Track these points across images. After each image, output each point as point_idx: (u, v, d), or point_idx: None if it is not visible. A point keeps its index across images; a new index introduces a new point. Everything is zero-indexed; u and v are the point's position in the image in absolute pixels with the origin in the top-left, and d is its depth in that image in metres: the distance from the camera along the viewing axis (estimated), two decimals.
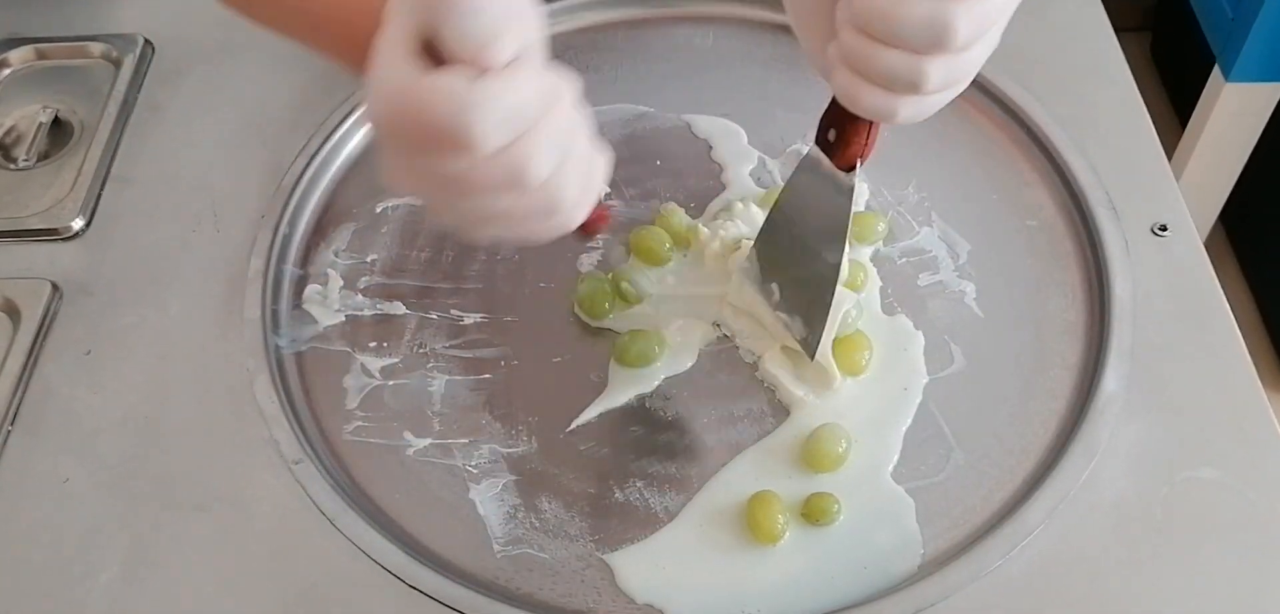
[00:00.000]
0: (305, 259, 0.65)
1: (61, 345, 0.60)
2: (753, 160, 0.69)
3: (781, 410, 0.58)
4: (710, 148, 0.70)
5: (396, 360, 0.60)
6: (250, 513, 0.53)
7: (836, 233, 0.52)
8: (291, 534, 0.52)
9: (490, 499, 0.54)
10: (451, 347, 0.61)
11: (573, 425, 0.57)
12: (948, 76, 0.44)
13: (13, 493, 0.54)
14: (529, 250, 0.65)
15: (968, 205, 0.66)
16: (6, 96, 0.75)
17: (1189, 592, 0.50)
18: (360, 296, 0.63)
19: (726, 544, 0.52)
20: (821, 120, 0.51)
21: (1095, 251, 0.63)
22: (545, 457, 0.56)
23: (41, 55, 0.77)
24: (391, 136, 0.38)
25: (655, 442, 0.56)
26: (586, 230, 0.46)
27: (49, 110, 0.72)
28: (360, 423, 0.57)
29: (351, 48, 0.43)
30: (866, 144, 0.50)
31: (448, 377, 0.59)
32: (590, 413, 0.57)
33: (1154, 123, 0.70)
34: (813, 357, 0.56)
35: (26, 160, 0.70)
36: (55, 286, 0.62)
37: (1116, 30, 0.76)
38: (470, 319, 0.62)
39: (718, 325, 0.61)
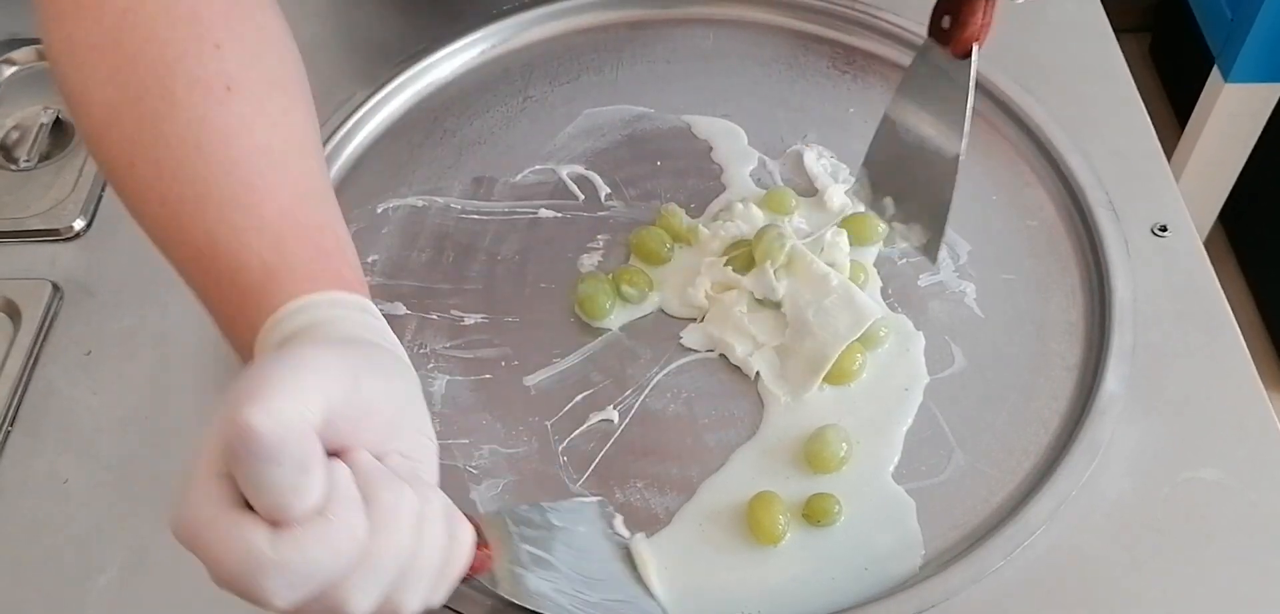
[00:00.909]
0: None
1: (62, 346, 0.60)
2: (753, 161, 0.69)
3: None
4: (710, 148, 0.70)
5: None
6: None
7: (955, 123, 0.52)
8: None
9: (490, 499, 0.54)
10: (452, 347, 0.61)
11: (572, 424, 0.57)
12: None
13: (13, 493, 0.54)
14: (529, 250, 0.65)
15: (968, 205, 0.66)
16: (8, 97, 0.75)
17: (1189, 592, 0.50)
18: None
19: (727, 545, 0.52)
20: (935, 9, 0.51)
21: (1095, 252, 0.63)
22: (546, 457, 0.56)
23: (43, 56, 0.77)
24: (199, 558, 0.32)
25: (655, 442, 0.56)
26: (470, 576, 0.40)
27: (50, 111, 0.72)
28: None
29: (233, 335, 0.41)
30: (983, 24, 0.49)
31: (448, 377, 0.59)
32: (560, 366, 0.57)
33: (1154, 123, 0.70)
34: (934, 259, 0.56)
35: (28, 161, 0.70)
36: (56, 287, 0.62)
37: (1116, 30, 0.76)
38: (471, 319, 0.62)
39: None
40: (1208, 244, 0.92)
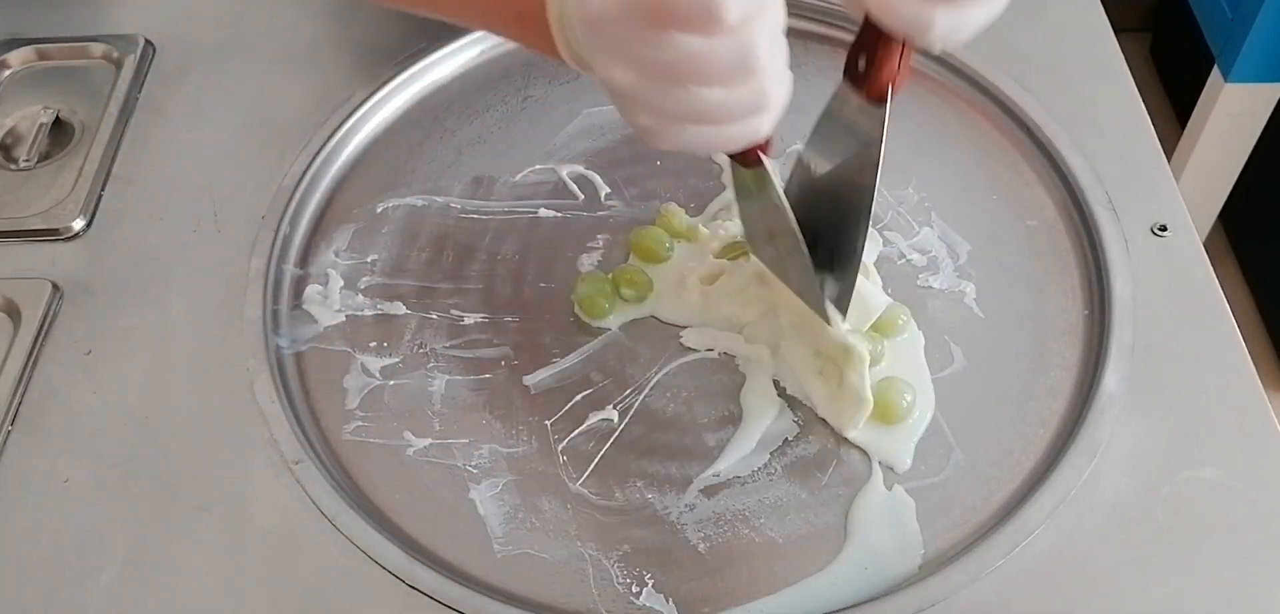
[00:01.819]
0: (305, 259, 0.65)
1: (62, 345, 0.60)
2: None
3: (781, 408, 0.58)
4: None
5: (397, 360, 0.60)
6: (250, 513, 0.53)
7: (867, 172, 0.50)
8: (291, 534, 0.52)
9: (490, 499, 0.54)
10: (452, 347, 0.61)
11: (572, 423, 0.57)
12: None
13: (13, 493, 0.54)
14: (529, 250, 0.65)
15: (968, 205, 0.66)
16: (7, 97, 0.75)
17: (1189, 592, 0.50)
18: (360, 296, 0.63)
19: (727, 545, 0.52)
20: (850, 51, 0.48)
21: (1095, 252, 0.63)
22: (546, 457, 0.56)
23: (42, 56, 0.77)
24: (622, 19, 0.39)
25: (655, 441, 0.56)
26: (752, 158, 0.47)
27: (50, 111, 0.73)
28: (360, 423, 0.57)
29: (522, 24, 0.46)
30: (899, 69, 0.47)
31: (448, 377, 0.59)
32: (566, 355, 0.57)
33: (1154, 123, 0.70)
34: (845, 313, 0.53)
35: (27, 161, 0.70)
36: (56, 287, 0.62)
37: (1116, 30, 0.76)
38: (470, 319, 0.62)
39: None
40: (1208, 244, 0.92)
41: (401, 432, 0.57)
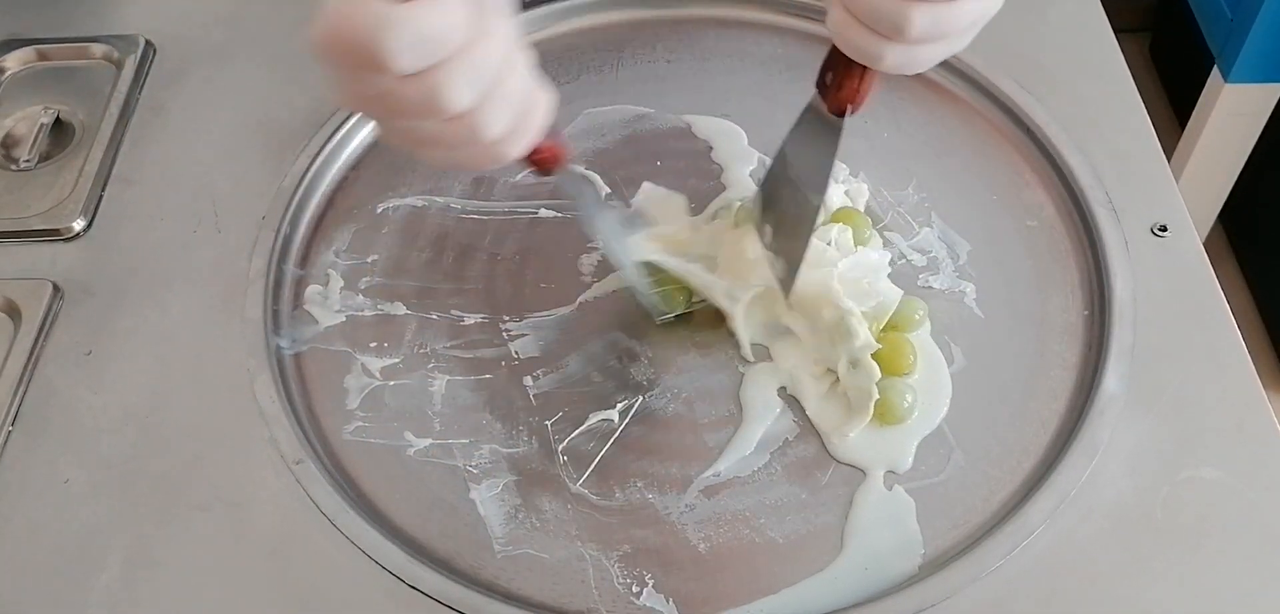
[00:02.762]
0: (306, 259, 0.65)
1: (62, 346, 0.60)
2: (753, 161, 0.69)
3: (781, 408, 0.58)
4: (710, 148, 0.70)
5: (397, 360, 0.60)
6: (250, 513, 0.53)
7: (820, 175, 0.53)
8: (291, 534, 0.52)
9: (491, 499, 0.54)
10: (452, 347, 0.61)
11: (572, 424, 0.57)
12: (934, 27, 0.44)
13: (13, 493, 0.54)
14: (529, 250, 0.65)
15: (968, 205, 0.66)
16: (8, 98, 0.75)
17: (1189, 592, 0.50)
18: (361, 297, 0.63)
19: (727, 545, 0.52)
20: (823, 64, 0.51)
21: (1095, 252, 0.63)
22: (546, 457, 0.56)
23: (43, 56, 0.77)
24: (325, 52, 0.39)
25: (655, 442, 0.56)
26: (538, 167, 0.48)
27: (50, 111, 0.73)
28: (361, 423, 0.57)
29: None
30: (857, 91, 0.50)
31: (448, 377, 0.59)
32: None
33: (1153, 123, 0.70)
34: (787, 295, 0.57)
35: (28, 161, 0.70)
36: (56, 287, 0.62)
37: (1116, 30, 0.76)
38: (470, 319, 0.62)
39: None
40: (1208, 244, 0.92)
41: (402, 432, 0.57)
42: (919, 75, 0.73)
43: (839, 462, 0.55)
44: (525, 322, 0.62)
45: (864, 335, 0.56)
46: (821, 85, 0.52)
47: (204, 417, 0.57)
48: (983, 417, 0.57)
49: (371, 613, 0.50)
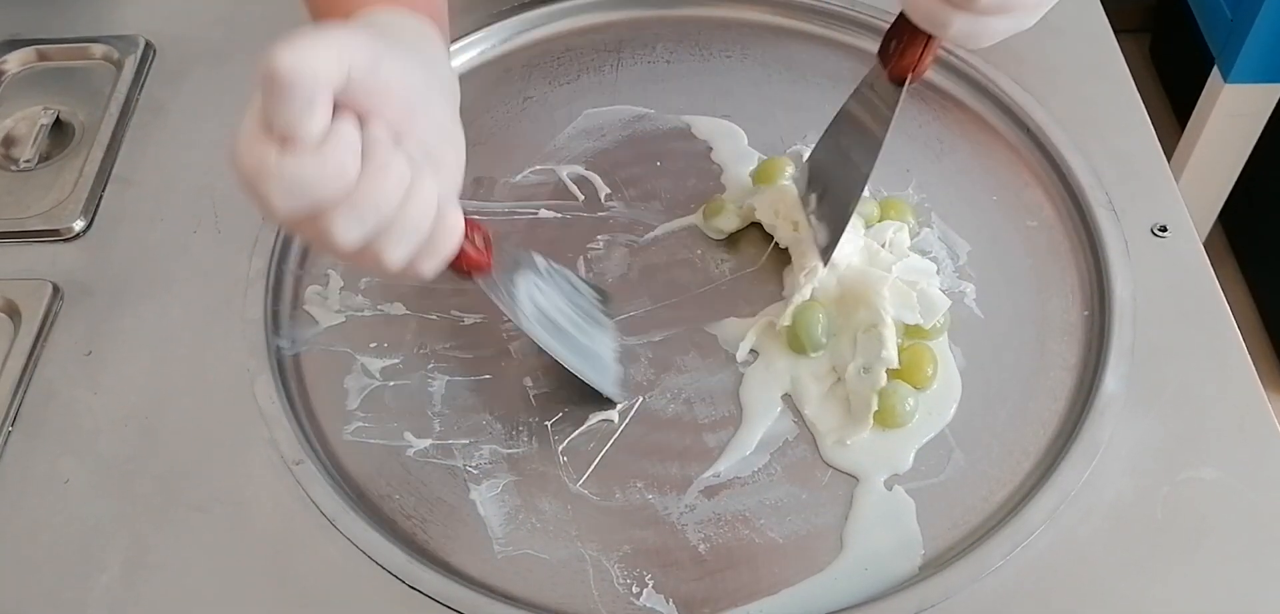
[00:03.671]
0: (305, 260, 0.65)
1: (62, 346, 0.60)
2: (753, 161, 0.69)
3: (781, 409, 0.58)
4: (710, 149, 0.70)
5: (397, 361, 0.60)
6: (250, 513, 0.53)
7: (873, 142, 0.55)
8: (291, 534, 0.52)
9: (491, 500, 0.54)
10: (452, 347, 0.61)
11: (572, 424, 0.57)
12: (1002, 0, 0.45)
13: (13, 493, 0.54)
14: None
15: (968, 206, 0.66)
16: (8, 98, 0.75)
17: (1189, 592, 0.50)
18: (360, 297, 0.63)
19: (727, 545, 0.52)
20: (886, 34, 0.53)
21: (1095, 252, 0.63)
22: (546, 457, 0.56)
23: (43, 57, 0.77)
24: (238, 182, 0.40)
25: (655, 442, 0.56)
26: (461, 272, 0.49)
27: (50, 111, 0.72)
28: (361, 423, 0.57)
29: None
30: (919, 59, 0.52)
31: (448, 377, 0.59)
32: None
33: (1154, 123, 0.70)
34: (825, 263, 0.59)
35: (28, 161, 0.70)
36: (56, 287, 0.62)
37: (1116, 31, 0.76)
38: (470, 319, 0.62)
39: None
40: (1208, 244, 0.92)
41: (402, 432, 0.57)
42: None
43: (834, 468, 0.55)
44: None
45: (891, 351, 0.56)
46: (884, 52, 0.54)
47: (204, 417, 0.57)
48: (983, 417, 0.57)
49: (371, 613, 0.50)
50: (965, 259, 0.64)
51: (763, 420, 0.57)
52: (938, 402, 0.57)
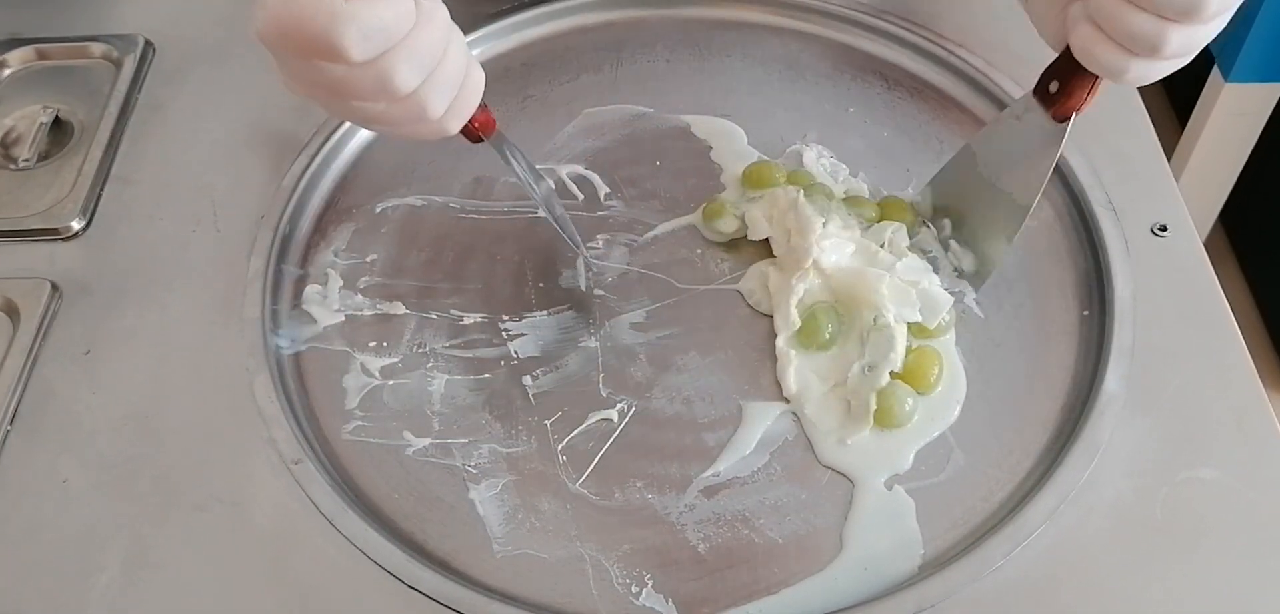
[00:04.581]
0: (305, 259, 0.65)
1: (61, 345, 0.60)
2: (752, 161, 0.69)
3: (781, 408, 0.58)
4: (710, 148, 0.70)
5: (396, 360, 0.60)
6: (250, 513, 0.53)
7: (1036, 176, 0.57)
8: (291, 534, 0.52)
9: (490, 499, 0.54)
10: (451, 347, 0.61)
11: (572, 424, 0.57)
12: (1186, 44, 0.47)
13: (13, 493, 0.54)
14: (529, 251, 0.65)
15: None
16: (7, 97, 0.75)
17: (1189, 592, 0.50)
18: (360, 296, 0.63)
19: (727, 545, 0.52)
20: (1044, 73, 0.55)
21: (1095, 252, 0.63)
22: (545, 456, 0.56)
23: (42, 55, 0.77)
24: (277, 45, 0.43)
25: (655, 441, 0.56)
26: (471, 137, 0.54)
27: (49, 110, 0.72)
28: (360, 423, 0.57)
29: None
30: (1088, 98, 0.54)
31: (448, 376, 0.59)
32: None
33: (1154, 123, 0.70)
34: (978, 289, 0.61)
35: (27, 160, 0.70)
36: (55, 286, 0.62)
37: None
38: (470, 319, 0.62)
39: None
40: (1208, 244, 0.92)
41: (401, 432, 0.57)
42: (919, 75, 0.74)
43: (834, 469, 0.55)
44: (524, 321, 0.62)
45: (900, 352, 0.56)
46: (1043, 93, 0.56)
47: (202, 416, 0.57)
48: (983, 417, 0.57)
49: (371, 613, 0.50)
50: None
51: (762, 420, 0.57)
52: (941, 405, 0.57)
